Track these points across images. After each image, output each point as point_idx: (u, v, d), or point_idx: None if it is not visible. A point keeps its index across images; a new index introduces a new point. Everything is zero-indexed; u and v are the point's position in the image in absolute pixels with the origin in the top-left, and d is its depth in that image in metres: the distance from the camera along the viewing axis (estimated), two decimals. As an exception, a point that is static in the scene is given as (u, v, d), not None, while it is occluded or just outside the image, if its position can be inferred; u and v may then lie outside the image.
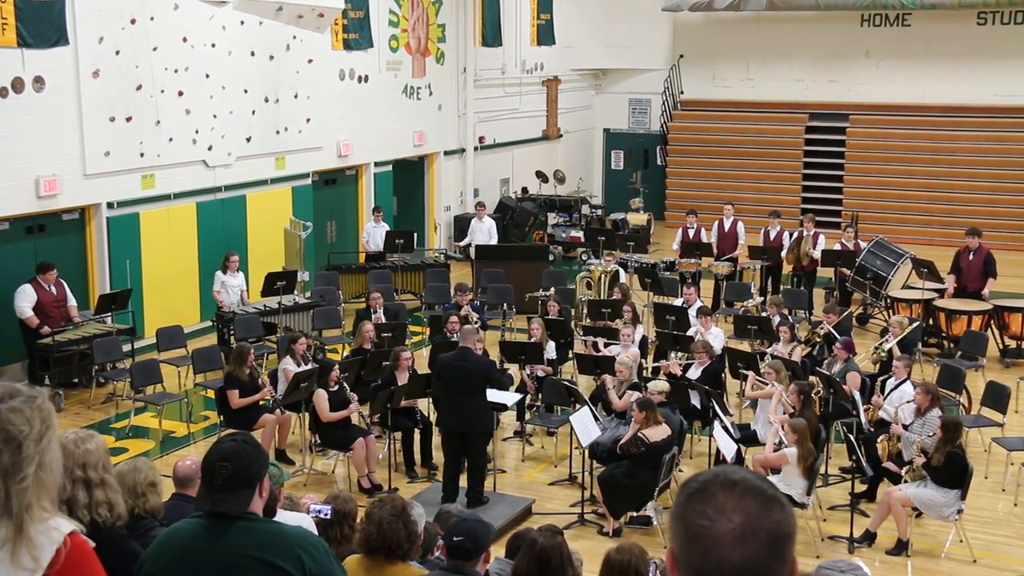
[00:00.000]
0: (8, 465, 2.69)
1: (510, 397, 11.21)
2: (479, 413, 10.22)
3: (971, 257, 15.62)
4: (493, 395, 10.73)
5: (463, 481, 10.34)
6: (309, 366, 11.65)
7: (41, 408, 2.78)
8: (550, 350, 12.84)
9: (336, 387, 11.02)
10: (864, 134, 23.78)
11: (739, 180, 24.36)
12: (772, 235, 17.52)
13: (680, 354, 12.80)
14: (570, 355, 13.50)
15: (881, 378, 11.73)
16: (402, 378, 11.29)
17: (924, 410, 10.10)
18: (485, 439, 10.40)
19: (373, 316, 13.87)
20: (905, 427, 10.21)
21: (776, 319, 13.22)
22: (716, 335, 13.03)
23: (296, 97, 17.45)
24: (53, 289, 13.16)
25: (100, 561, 2.90)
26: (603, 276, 16.25)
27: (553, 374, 12.59)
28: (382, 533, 4.87)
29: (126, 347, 13.57)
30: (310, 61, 17.61)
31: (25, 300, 12.94)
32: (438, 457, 11.10)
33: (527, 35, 23.50)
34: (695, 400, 11.49)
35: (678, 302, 14.68)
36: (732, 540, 1.91)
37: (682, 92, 25.75)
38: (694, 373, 11.91)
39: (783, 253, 17.22)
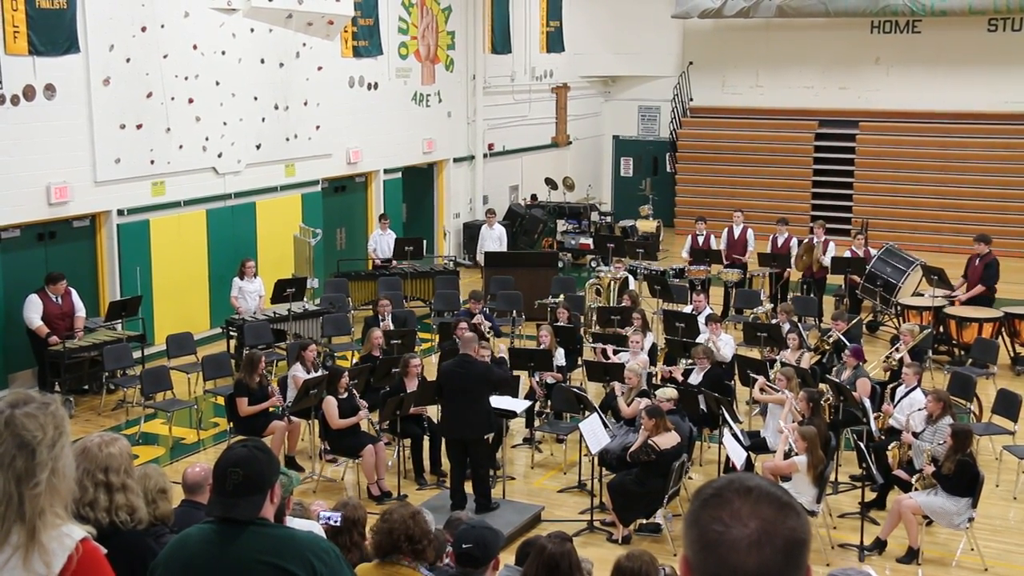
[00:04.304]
0: (22, 470, 2.70)
1: (519, 404, 11.21)
2: (478, 419, 10.21)
3: (977, 263, 15.60)
4: (503, 402, 10.75)
5: (470, 488, 10.34)
6: (319, 373, 11.67)
7: (54, 415, 2.80)
8: (559, 357, 12.84)
9: (345, 394, 11.02)
10: (874, 141, 23.74)
11: (749, 187, 24.33)
12: (780, 242, 17.50)
13: (684, 361, 12.79)
14: (579, 362, 13.50)
15: (891, 385, 11.70)
16: (411, 385, 11.30)
17: (935, 418, 10.06)
18: (485, 445, 10.38)
19: (382, 323, 13.89)
20: (916, 435, 10.17)
21: (786, 326, 13.19)
22: (726, 342, 13.02)
23: (306, 104, 17.49)
24: (60, 300, 13.16)
25: (120, 561, 2.91)
26: (612, 283, 16.25)
27: (562, 381, 12.59)
28: (400, 530, 4.89)
29: (136, 354, 13.59)
30: (320, 68, 17.65)
31: (33, 311, 12.96)
32: (447, 464, 11.09)
33: (536, 42, 23.51)
34: (704, 406, 11.48)
35: (687, 309, 14.66)
36: (748, 546, 1.91)
37: (691, 99, 25.74)
38: (695, 378, 11.91)
39: (792, 260, 17.20)
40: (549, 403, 12.39)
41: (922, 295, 15.83)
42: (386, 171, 19.77)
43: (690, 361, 12.62)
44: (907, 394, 10.89)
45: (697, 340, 13.11)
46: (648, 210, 22.66)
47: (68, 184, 13.72)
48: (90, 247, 14.70)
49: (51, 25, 13.28)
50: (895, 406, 10.93)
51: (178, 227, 15.45)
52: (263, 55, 16.59)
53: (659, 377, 12.19)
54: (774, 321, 13.98)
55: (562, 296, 15.41)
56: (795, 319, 14.01)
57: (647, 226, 22.07)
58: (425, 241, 18.94)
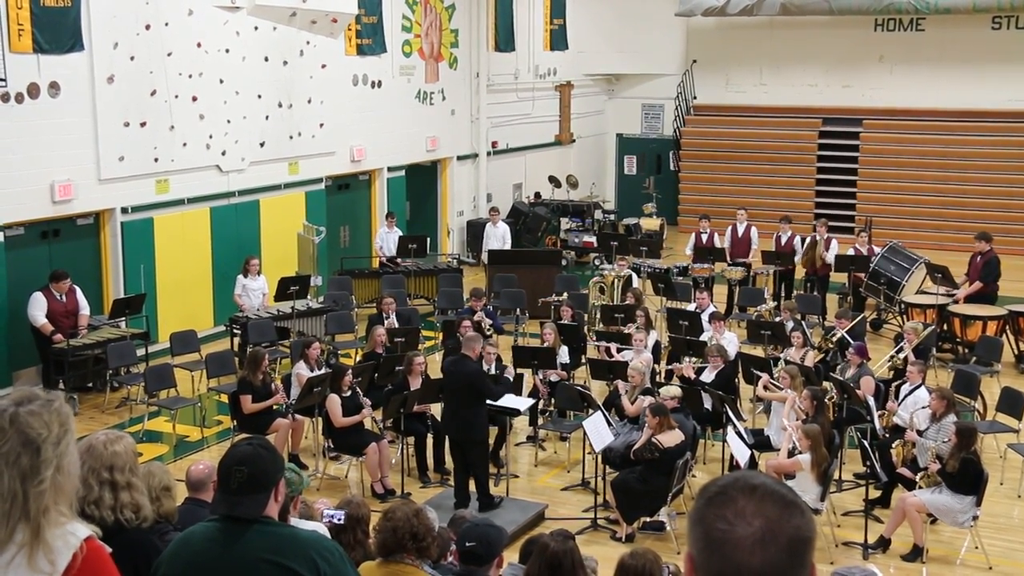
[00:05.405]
0: (26, 468, 2.70)
1: (523, 402, 11.20)
2: (470, 420, 10.17)
3: (977, 261, 15.59)
4: (506, 400, 10.73)
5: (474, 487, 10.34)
6: (322, 371, 11.67)
7: (59, 412, 2.80)
8: (563, 355, 12.84)
9: (349, 392, 11.03)
10: (878, 139, 23.72)
11: (752, 185, 24.31)
12: (783, 240, 17.50)
13: (694, 359, 12.78)
14: (583, 360, 13.49)
15: (895, 383, 11.69)
16: (415, 383, 11.30)
17: (939, 416, 10.06)
18: (479, 446, 10.37)
19: (385, 321, 13.88)
20: (920, 433, 10.16)
21: (789, 324, 13.18)
22: (729, 340, 13.00)
23: (309, 102, 17.49)
24: (64, 298, 13.18)
25: (124, 559, 2.91)
26: (616, 281, 16.23)
27: (566, 379, 12.58)
28: (404, 528, 4.89)
29: (140, 351, 13.60)
30: (323, 66, 17.65)
31: (37, 308, 12.98)
32: (451, 462, 11.09)
33: (540, 40, 23.49)
34: (708, 404, 11.47)
35: (691, 307, 14.66)
36: (752, 545, 1.90)
37: (695, 97, 25.72)
38: (708, 376, 11.90)
39: (797, 258, 17.20)
40: (553, 401, 12.39)
41: (926, 293, 15.81)
42: (390, 169, 19.77)
43: (695, 360, 12.61)
44: (911, 392, 10.89)
45: (701, 338, 13.11)
46: (652, 208, 22.64)
47: (72, 182, 13.73)
48: (94, 245, 14.71)
49: (55, 23, 13.29)
50: (899, 404, 10.92)
51: (182, 225, 15.46)
52: (267, 53, 16.59)
53: (662, 375, 12.17)
54: (778, 319, 13.97)
55: (565, 294, 15.39)
56: (799, 317, 14.00)
57: (651, 224, 22.06)
58: (429, 239, 18.93)
